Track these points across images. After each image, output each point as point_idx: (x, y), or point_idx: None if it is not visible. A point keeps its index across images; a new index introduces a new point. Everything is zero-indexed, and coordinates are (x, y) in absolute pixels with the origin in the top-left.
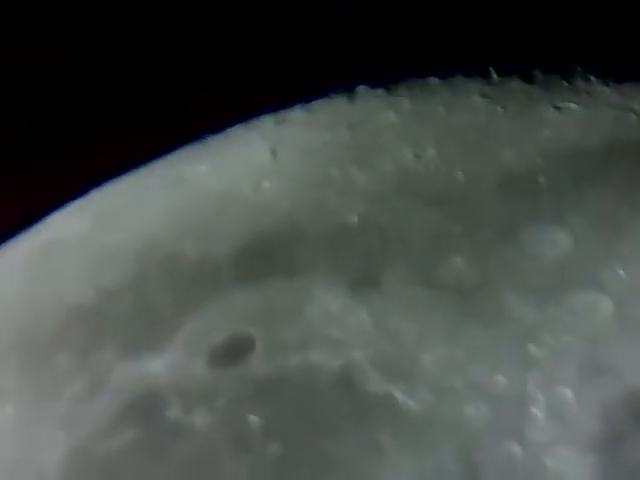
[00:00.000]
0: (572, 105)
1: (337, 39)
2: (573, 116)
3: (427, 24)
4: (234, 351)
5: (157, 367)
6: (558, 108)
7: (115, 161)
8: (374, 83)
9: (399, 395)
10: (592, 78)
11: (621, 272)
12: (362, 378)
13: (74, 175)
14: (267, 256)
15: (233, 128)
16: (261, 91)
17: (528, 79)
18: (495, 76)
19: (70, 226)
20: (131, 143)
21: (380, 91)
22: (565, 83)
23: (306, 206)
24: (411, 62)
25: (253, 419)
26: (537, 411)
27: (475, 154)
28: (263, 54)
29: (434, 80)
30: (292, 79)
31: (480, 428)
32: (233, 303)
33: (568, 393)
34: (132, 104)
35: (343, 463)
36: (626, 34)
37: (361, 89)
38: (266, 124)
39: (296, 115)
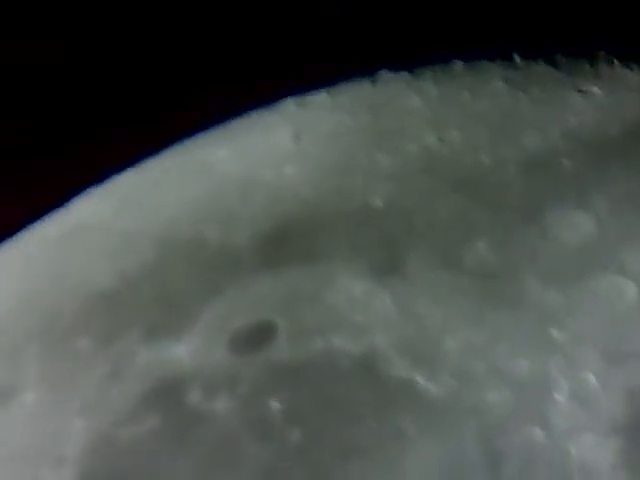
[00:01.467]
0: (595, 89)
1: (360, 23)
2: (596, 100)
3: (452, 7)
4: (256, 337)
5: (179, 353)
6: (582, 92)
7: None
8: (397, 67)
9: (422, 380)
10: (615, 62)
11: None
12: (385, 363)
13: (74, 175)
14: (289, 241)
15: (255, 112)
16: (283, 75)
17: (552, 63)
18: (519, 60)
19: (92, 212)
20: (143, 133)
21: (403, 75)
22: (588, 67)
23: (329, 190)
24: (435, 46)
25: (275, 405)
26: (560, 396)
27: (499, 138)
28: (286, 38)
29: (458, 64)
30: (315, 63)
31: (503, 413)
32: (255, 289)
33: (591, 378)
34: (153, 88)
35: (365, 449)
36: None
37: (384, 73)
38: (288, 108)
39: (319, 99)
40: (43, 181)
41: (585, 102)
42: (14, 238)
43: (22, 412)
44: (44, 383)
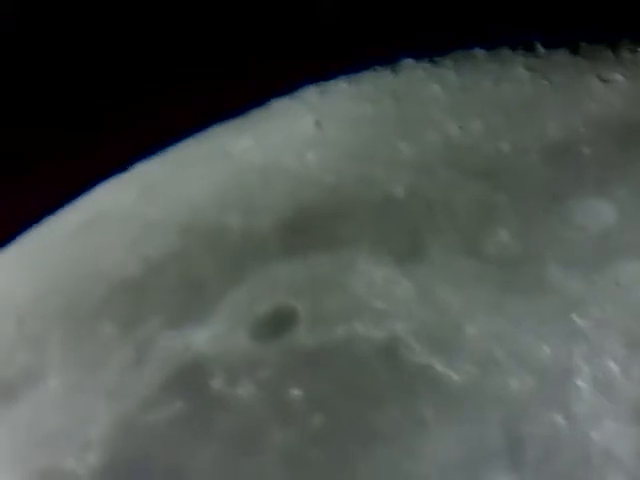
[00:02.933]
0: (617, 76)
1: (381, 11)
2: (618, 87)
3: None
4: (278, 323)
5: (201, 339)
6: (603, 80)
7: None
8: (419, 55)
9: (443, 367)
10: (638, 49)
11: None
12: (406, 350)
13: (97, 163)
14: (311, 228)
15: (277, 100)
16: (305, 62)
17: (574, 51)
18: (541, 48)
19: (115, 199)
20: (171, 117)
21: (425, 63)
22: (611, 55)
23: (351, 178)
24: (456, 34)
25: (296, 391)
26: (582, 383)
27: (520, 126)
28: (306, 25)
29: (479, 52)
30: (336, 51)
31: (524, 400)
32: (277, 275)
33: (613, 365)
34: (176, 76)
35: (387, 434)
36: None
37: (406, 61)
38: (310, 96)
39: (340, 87)
40: (67, 169)
41: (607, 90)
42: (38, 226)
43: (47, 397)
44: (68, 368)
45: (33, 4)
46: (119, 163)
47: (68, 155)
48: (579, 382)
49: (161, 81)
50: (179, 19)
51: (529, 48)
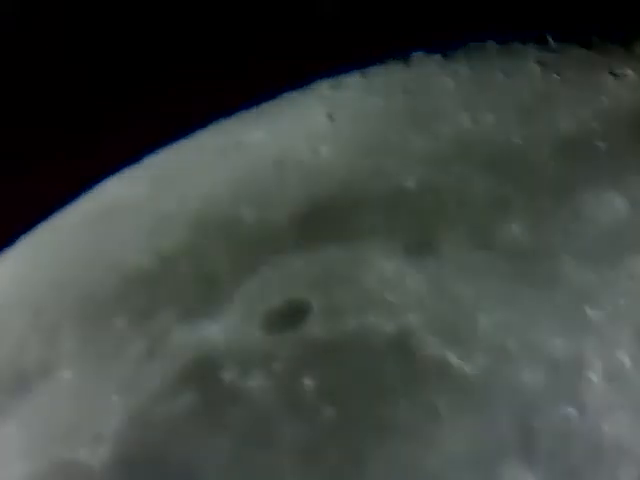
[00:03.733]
0: (629, 71)
1: (394, 4)
2: (630, 82)
3: None
4: (291, 316)
5: (214, 332)
6: (615, 74)
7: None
8: (431, 49)
9: (455, 359)
10: None
11: None
12: (418, 342)
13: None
14: (324, 221)
15: (290, 93)
16: (318, 56)
17: (585, 45)
18: (553, 42)
19: (127, 191)
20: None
21: (437, 57)
22: (622, 50)
23: (363, 171)
24: (468, 28)
25: (309, 383)
26: (594, 375)
27: (533, 119)
28: (319, 19)
29: (492, 46)
30: (348, 45)
31: (536, 392)
32: (290, 268)
33: (625, 357)
34: (186, 72)
35: (399, 427)
36: None
37: (417, 55)
38: (323, 89)
39: (353, 81)
40: (79, 161)
41: (619, 84)
42: (51, 218)
43: (59, 390)
44: (81, 361)
45: (33, 4)
46: (132, 155)
47: (79, 148)
48: (591, 374)
49: (175, 73)
50: (194, 11)
51: (541, 42)
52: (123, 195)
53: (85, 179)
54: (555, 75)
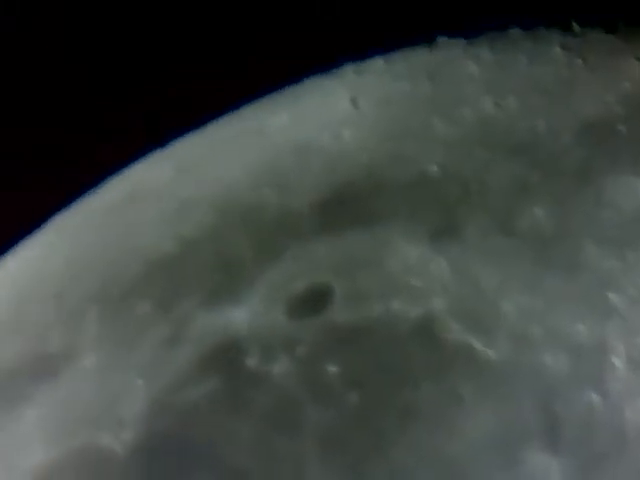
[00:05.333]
0: None
1: None
2: None
3: None
4: (313, 301)
5: (237, 317)
6: None
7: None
8: (454, 34)
9: (479, 344)
10: None
11: None
12: (442, 327)
13: (133, 140)
14: (346, 206)
15: (312, 78)
16: (341, 40)
17: (610, 30)
18: (576, 27)
19: (150, 177)
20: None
21: (460, 41)
22: None
23: (386, 156)
24: (492, 13)
25: (333, 369)
26: (618, 361)
27: (556, 104)
28: (343, 3)
29: (515, 31)
30: (372, 29)
31: (560, 377)
32: (313, 253)
33: None
34: (210, 58)
35: (423, 412)
36: None
37: (441, 40)
38: (346, 74)
39: (376, 65)
40: (102, 147)
41: None
42: (74, 203)
43: (82, 375)
44: (104, 347)
45: (33, 4)
46: (155, 141)
47: (103, 133)
48: (614, 360)
49: (199, 59)
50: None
51: (565, 27)
52: (145, 181)
53: (85, 179)
54: (579, 60)
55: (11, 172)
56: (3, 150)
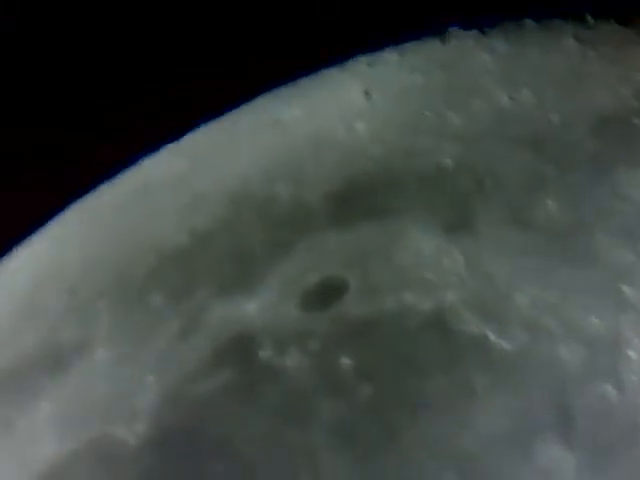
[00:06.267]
0: None
1: None
2: None
3: None
4: (327, 293)
5: (250, 309)
6: None
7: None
8: (468, 25)
9: (492, 336)
10: None
11: None
12: (455, 319)
13: (146, 133)
14: (360, 198)
15: (326, 70)
16: (354, 33)
17: (623, 22)
18: (590, 19)
19: (164, 169)
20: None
21: (474, 33)
22: None
23: (400, 148)
24: (506, 4)
25: (346, 361)
26: (632, 353)
27: (570, 96)
28: None
29: (529, 23)
30: (385, 21)
31: (574, 370)
32: (326, 246)
33: None
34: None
35: (436, 404)
36: None
37: (454, 31)
38: (359, 66)
39: (389, 57)
40: (115, 139)
41: None
42: (87, 195)
43: (96, 367)
44: (117, 339)
45: (33, 4)
46: (169, 133)
47: (116, 125)
48: (629, 352)
49: (211, 53)
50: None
51: (579, 19)
52: (159, 173)
53: (85, 179)
54: (593, 52)
55: (11, 172)
56: (3, 150)
